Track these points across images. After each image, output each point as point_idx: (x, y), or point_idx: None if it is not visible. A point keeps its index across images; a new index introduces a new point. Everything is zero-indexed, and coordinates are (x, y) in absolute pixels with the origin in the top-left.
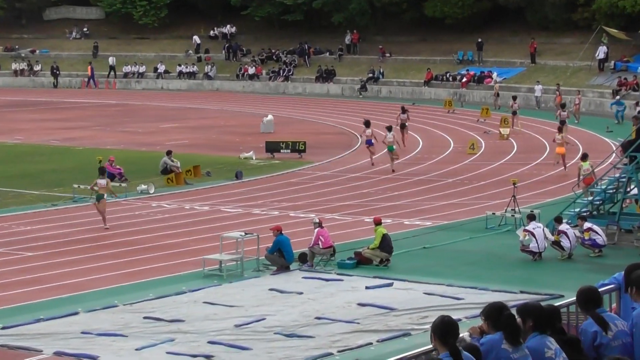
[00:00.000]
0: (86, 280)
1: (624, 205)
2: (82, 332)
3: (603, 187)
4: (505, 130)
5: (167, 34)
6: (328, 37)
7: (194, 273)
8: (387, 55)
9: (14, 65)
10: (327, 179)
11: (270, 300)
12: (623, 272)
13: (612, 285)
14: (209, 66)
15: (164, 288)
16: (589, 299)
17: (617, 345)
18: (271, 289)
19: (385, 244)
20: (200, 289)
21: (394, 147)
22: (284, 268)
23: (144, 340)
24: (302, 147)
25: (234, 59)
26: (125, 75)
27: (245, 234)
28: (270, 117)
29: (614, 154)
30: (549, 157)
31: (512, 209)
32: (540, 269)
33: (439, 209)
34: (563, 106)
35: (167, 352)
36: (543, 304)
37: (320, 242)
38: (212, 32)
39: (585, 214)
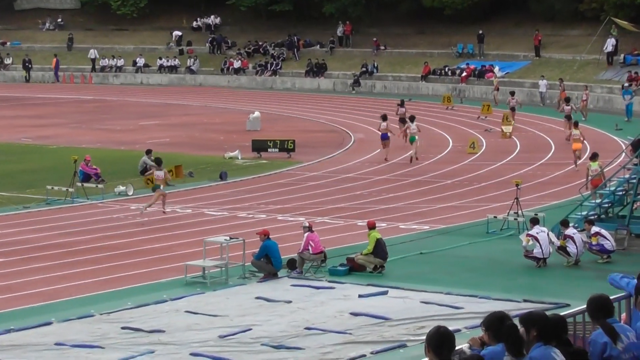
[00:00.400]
0: (60, 288)
1: (634, 208)
2: (56, 344)
3: (612, 188)
4: (507, 128)
5: (147, 25)
6: (319, 29)
7: (176, 280)
8: (382, 48)
9: None
10: (318, 179)
11: (257, 309)
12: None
13: (624, 292)
14: (192, 59)
15: (144, 296)
16: (600, 308)
17: (628, 358)
18: (258, 298)
19: (380, 250)
20: (182, 298)
21: (416, 137)
22: (271, 275)
23: (121, 352)
24: (291, 146)
25: (219, 52)
26: (103, 69)
27: (230, 238)
28: (257, 114)
29: (623, 154)
30: (554, 156)
31: (515, 212)
32: (544, 277)
33: (437, 212)
34: (567, 100)
35: None
36: (548, 313)
37: (310, 248)
38: (194, 23)
39: (592, 217)
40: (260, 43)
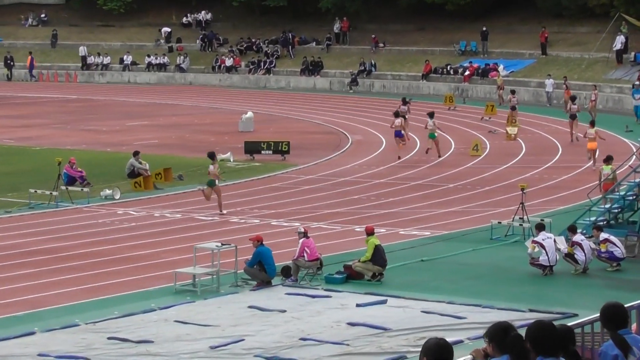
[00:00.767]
0: (44, 296)
1: None
2: (39, 355)
3: (622, 193)
4: (512, 130)
5: (135, 21)
6: (315, 25)
7: (165, 288)
8: (381, 45)
9: None
10: (314, 183)
11: (250, 319)
12: None
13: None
14: (182, 57)
15: (131, 305)
16: (611, 318)
17: None
18: (251, 307)
19: (379, 257)
20: (171, 307)
21: (436, 134)
22: (264, 283)
23: None
24: (285, 148)
25: (210, 49)
26: (88, 67)
27: (222, 244)
28: (249, 114)
29: (633, 157)
30: (561, 159)
31: (520, 218)
32: (551, 285)
33: (438, 218)
34: (573, 99)
35: None
36: (555, 323)
37: (305, 254)
38: (184, 19)
39: (601, 223)
40: (253, 40)
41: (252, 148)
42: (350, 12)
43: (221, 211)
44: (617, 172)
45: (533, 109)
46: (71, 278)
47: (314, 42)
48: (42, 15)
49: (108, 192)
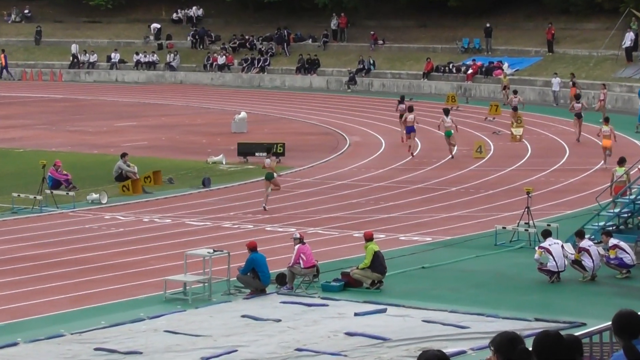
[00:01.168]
0: (27, 305)
1: None
2: None
3: (632, 197)
4: (518, 131)
5: (123, 17)
6: (311, 22)
7: (154, 297)
8: (380, 42)
9: None
10: (310, 187)
11: (243, 328)
12: None
13: None
14: (172, 55)
15: (119, 314)
16: (624, 327)
17: None
18: (244, 316)
19: (378, 263)
20: (161, 316)
21: (452, 132)
22: (258, 291)
23: None
24: (280, 150)
25: (201, 47)
26: (80, 65)
27: (214, 251)
28: (243, 114)
29: None
30: (569, 161)
31: (525, 223)
32: (558, 293)
33: (440, 222)
34: (578, 97)
35: None
36: (562, 333)
37: (301, 261)
38: (175, 15)
39: (610, 228)
40: (246, 37)
41: (245, 150)
42: (348, 8)
43: (265, 202)
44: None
45: (539, 109)
46: (56, 286)
47: (310, 39)
48: (26, 11)
49: (95, 196)
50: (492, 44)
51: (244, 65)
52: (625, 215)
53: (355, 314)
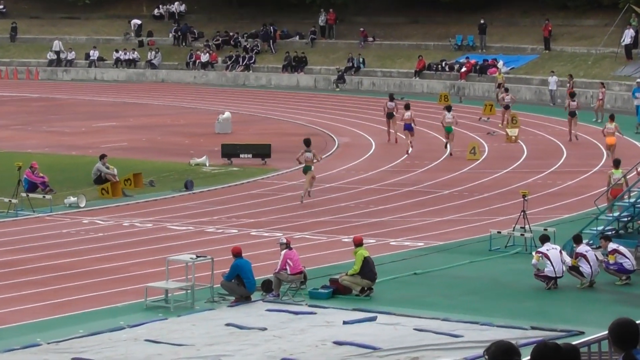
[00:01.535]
0: (2, 313)
1: None
2: None
3: (632, 200)
4: (513, 131)
5: (102, 12)
6: (298, 18)
7: (134, 304)
8: (370, 39)
9: None
10: (297, 189)
11: (227, 337)
12: None
13: None
14: (153, 52)
15: (98, 323)
16: (624, 336)
17: None
18: (228, 324)
19: (368, 270)
20: (141, 324)
21: (453, 127)
22: (243, 298)
23: None
24: (266, 151)
25: (184, 44)
26: (51, 63)
27: (197, 257)
28: (227, 114)
29: None
30: (566, 163)
31: (521, 227)
32: (555, 300)
33: (432, 227)
34: (572, 96)
35: None
36: (559, 342)
37: (288, 267)
38: (156, 11)
39: (609, 233)
40: (231, 34)
41: (229, 151)
42: (337, 4)
43: (303, 197)
44: (627, 177)
45: (535, 109)
46: (32, 293)
47: (298, 36)
48: (0, 7)
49: (72, 199)
50: (487, 41)
51: (228, 63)
52: (625, 219)
53: (344, 322)
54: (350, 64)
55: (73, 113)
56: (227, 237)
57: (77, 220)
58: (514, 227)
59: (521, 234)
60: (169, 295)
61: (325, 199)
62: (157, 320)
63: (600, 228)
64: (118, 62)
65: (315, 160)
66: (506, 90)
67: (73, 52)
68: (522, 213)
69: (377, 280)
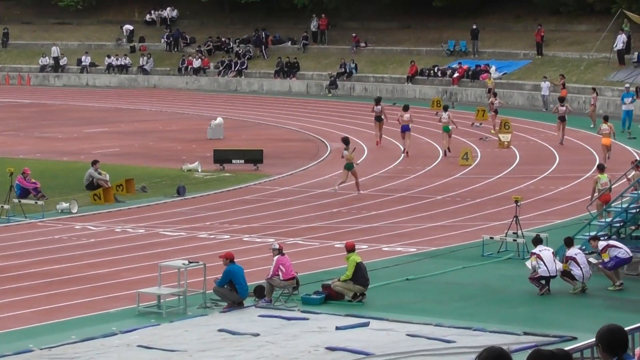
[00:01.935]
0: None
1: None
2: None
3: (624, 205)
4: (505, 137)
5: (94, 18)
6: (290, 23)
7: (127, 310)
8: (362, 45)
9: None
10: (289, 195)
11: (220, 343)
12: None
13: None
14: (145, 58)
15: (90, 328)
16: (615, 342)
17: None
18: (221, 330)
19: (360, 275)
20: (134, 330)
21: (450, 127)
22: (236, 304)
23: None
24: (258, 157)
25: (176, 49)
26: (42, 68)
27: (189, 262)
28: (219, 120)
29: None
30: (559, 169)
31: (514, 233)
32: (548, 306)
33: (425, 233)
34: (562, 100)
35: None
36: (552, 347)
37: (280, 273)
38: (148, 17)
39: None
40: (223, 39)
41: (222, 157)
42: (329, 9)
43: (359, 191)
44: (618, 184)
45: (528, 114)
46: (25, 299)
47: (290, 42)
48: None
49: (64, 205)
50: (479, 47)
51: (220, 68)
52: (618, 224)
53: (337, 328)
54: (343, 70)
55: (65, 119)
56: (220, 243)
57: (69, 226)
58: (507, 233)
59: (514, 240)
60: (162, 301)
61: (317, 205)
62: (150, 326)
63: (592, 233)
64: (110, 68)
65: (352, 159)
66: (494, 94)
67: (65, 58)
68: (515, 219)
69: (369, 286)
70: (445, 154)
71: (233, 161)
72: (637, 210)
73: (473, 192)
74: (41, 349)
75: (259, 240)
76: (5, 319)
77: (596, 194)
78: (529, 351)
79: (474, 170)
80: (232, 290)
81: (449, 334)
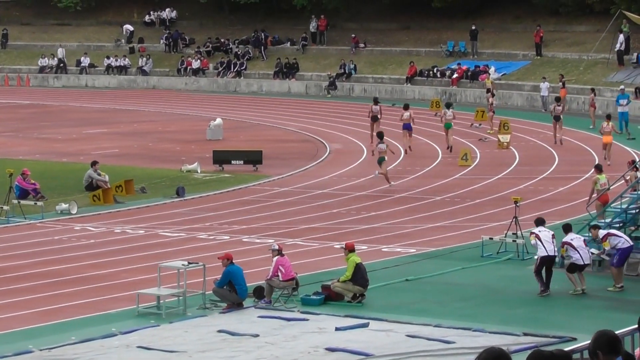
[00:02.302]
0: None
1: None
2: None
3: (624, 206)
4: (505, 138)
5: (93, 19)
6: (289, 24)
7: (126, 311)
8: (362, 45)
9: None
10: (289, 196)
11: (219, 344)
12: None
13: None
14: (144, 59)
15: (90, 329)
16: (611, 345)
17: None
18: (220, 331)
19: (360, 276)
20: (133, 331)
21: (452, 124)
22: (235, 305)
23: None
24: (257, 158)
25: (175, 50)
26: (42, 69)
27: (189, 263)
28: (218, 121)
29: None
30: (558, 169)
31: (513, 233)
32: (547, 306)
33: (424, 233)
34: (557, 100)
35: None
36: (551, 348)
37: (280, 274)
38: (147, 17)
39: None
40: (222, 40)
41: (221, 158)
42: (328, 10)
43: (389, 183)
44: (617, 185)
45: (527, 115)
46: (24, 300)
47: (289, 42)
48: None
49: (64, 206)
50: (478, 47)
51: (220, 69)
52: (617, 225)
53: (337, 329)
54: (342, 70)
55: (64, 120)
56: (219, 244)
57: (69, 227)
58: (506, 234)
59: (513, 240)
60: (161, 302)
61: (316, 206)
62: (149, 327)
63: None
64: (109, 69)
65: (386, 153)
66: (492, 94)
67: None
68: (514, 219)
69: (369, 287)
70: (450, 150)
71: (232, 162)
72: (637, 210)
73: (472, 193)
74: (41, 350)
75: (258, 241)
76: (4, 320)
77: (595, 195)
78: (529, 352)
79: (473, 171)
80: (231, 291)
81: (449, 335)
